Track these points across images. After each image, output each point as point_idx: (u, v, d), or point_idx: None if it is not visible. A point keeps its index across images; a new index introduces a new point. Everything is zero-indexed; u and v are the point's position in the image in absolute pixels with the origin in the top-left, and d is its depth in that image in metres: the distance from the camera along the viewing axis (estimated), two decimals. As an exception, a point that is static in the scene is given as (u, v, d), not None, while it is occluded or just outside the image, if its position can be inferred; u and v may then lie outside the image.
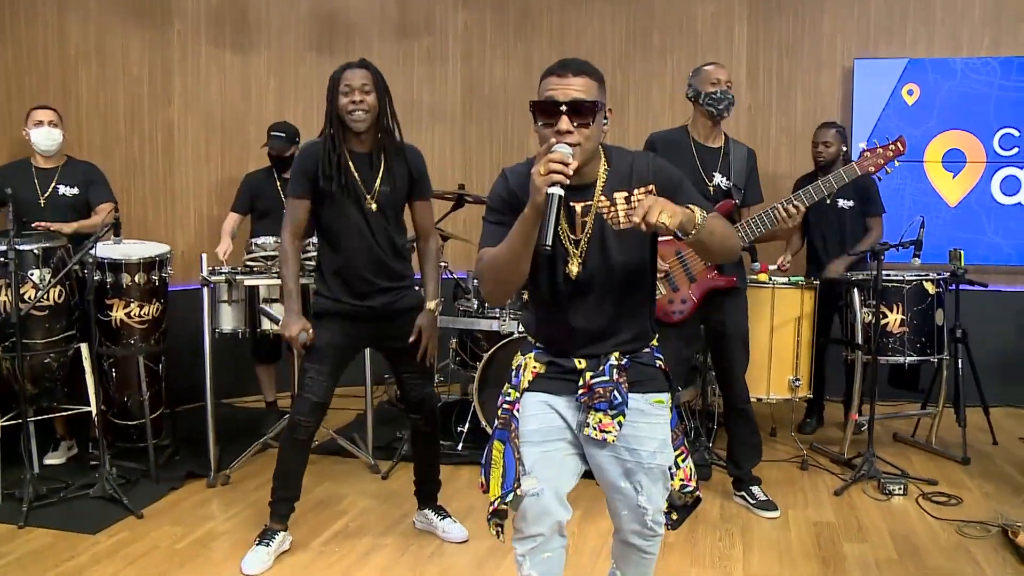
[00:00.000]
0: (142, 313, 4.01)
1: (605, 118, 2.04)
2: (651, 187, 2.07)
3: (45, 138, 4.24)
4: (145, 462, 4.05)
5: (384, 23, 5.99)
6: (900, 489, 3.92)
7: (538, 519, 2.07)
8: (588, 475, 2.20)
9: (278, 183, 4.79)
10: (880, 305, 4.25)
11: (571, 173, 1.86)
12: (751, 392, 4.35)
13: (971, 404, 4.62)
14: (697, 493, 2.27)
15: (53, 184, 4.27)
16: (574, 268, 2.06)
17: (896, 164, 3.55)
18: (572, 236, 2.07)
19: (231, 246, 4.63)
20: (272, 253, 4.18)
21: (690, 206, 1.92)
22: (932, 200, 5.44)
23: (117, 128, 5.08)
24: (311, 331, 3.11)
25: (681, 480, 2.21)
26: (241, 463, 4.20)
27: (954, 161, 5.42)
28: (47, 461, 4.23)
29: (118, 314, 3.98)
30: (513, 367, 2.25)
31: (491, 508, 2.10)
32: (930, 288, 4.29)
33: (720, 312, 3.70)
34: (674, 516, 2.31)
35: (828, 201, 4.76)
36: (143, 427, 4.17)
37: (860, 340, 4.29)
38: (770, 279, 4.29)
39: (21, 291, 3.66)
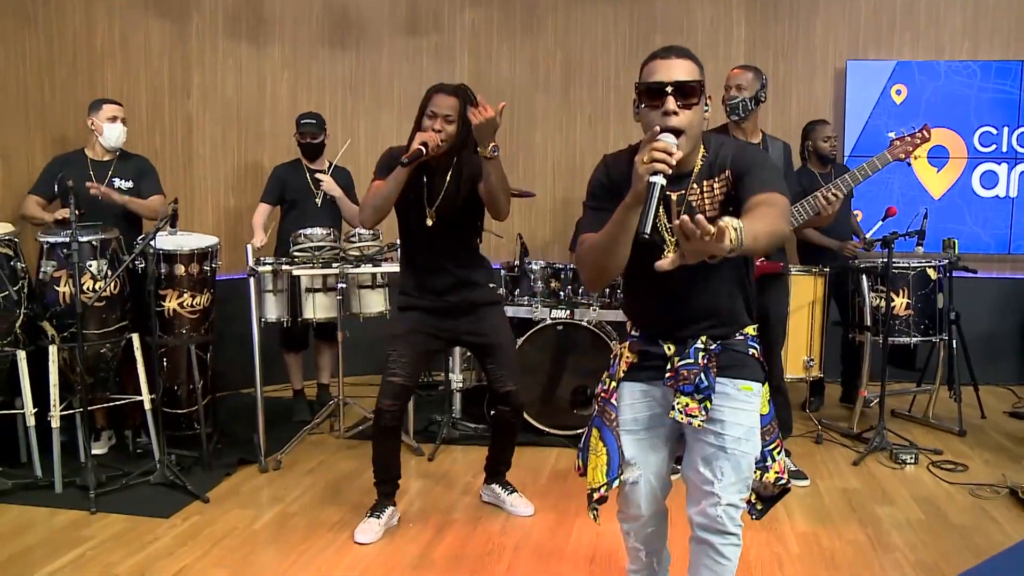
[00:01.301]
0: (194, 303, 4.09)
1: (706, 105, 2.05)
2: (728, 173, 2.08)
3: (117, 134, 4.28)
4: (196, 449, 4.14)
5: (394, 20, 6.11)
6: (912, 458, 4.26)
7: (640, 503, 2.22)
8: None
9: (307, 174, 4.90)
10: (888, 290, 4.59)
11: (674, 163, 1.85)
12: (769, 372, 4.69)
13: (962, 382, 5.02)
14: (787, 484, 2.25)
15: (109, 176, 4.31)
16: (663, 262, 1.91)
17: (923, 150, 3.85)
18: (668, 225, 2.08)
19: (264, 238, 4.73)
20: (320, 244, 4.31)
21: (723, 220, 1.69)
22: (918, 193, 5.83)
23: (140, 121, 5.10)
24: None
25: (776, 473, 2.21)
26: (291, 448, 4.32)
27: (938, 157, 5.83)
28: (93, 451, 4.26)
29: (171, 304, 4.04)
30: (611, 356, 2.34)
31: (595, 495, 2.19)
32: (932, 274, 4.65)
33: (765, 297, 3.93)
34: (759, 506, 2.32)
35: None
36: (191, 415, 4.25)
37: (869, 323, 4.62)
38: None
39: (80, 282, 3.72)
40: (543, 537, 3.39)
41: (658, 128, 1.91)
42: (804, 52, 5.96)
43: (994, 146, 5.78)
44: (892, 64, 5.76)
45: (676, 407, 2.11)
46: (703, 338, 2.13)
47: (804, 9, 5.93)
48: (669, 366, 2.15)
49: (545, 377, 4.53)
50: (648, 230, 1.79)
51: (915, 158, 3.86)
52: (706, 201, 2.09)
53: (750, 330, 2.22)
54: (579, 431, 4.17)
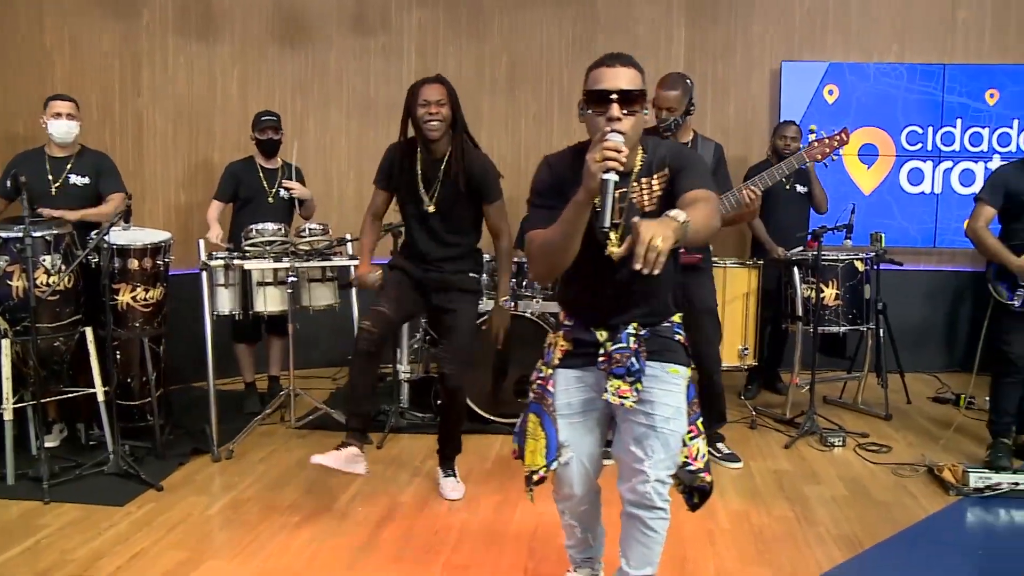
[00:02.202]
0: (147, 297, 4.16)
1: (646, 110, 2.19)
2: (665, 172, 2.24)
3: (63, 130, 4.31)
4: (149, 440, 4.21)
5: (342, 19, 6.20)
6: (840, 441, 4.51)
7: (573, 482, 2.39)
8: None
9: (260, 172, 4.98)
10: (818, 281, 4.82)
11: (624, 160, 1.99)
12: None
13: (889, 370, 5.30)
14: (708, 478, 2.37)
15: (65, 173, 4.35)
16: (615, 250, 2.10)
17: (842, 152, 4.08)
18: (612, 220, 2.13)
19: (221, 230, 4.80)
20: (271, 238, 4.41)
21: (668, 214, 1.92)
22: (849, 189, 6.10)
23: (90, 118, 5.12)
24: (379, 274, 3.61)
25: (685, 457, 2.33)
26: (242, 438, 4.41)
27: (868, 154, 6.11)
28: (45, 444, 4.30)
29: (124, 298, 4.11)
30: (545, 346, 2.48)
31: (535, 476, 2.36)
32: (860, 266, 4.90)
33: (686, 288, 4.13)
34: (695, 499, 2.43)
35: (787, 187, 5.31)
36: (143, 407, 4.32)
37: (800, 313, 4.86)
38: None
39: (34, 277, 3.77)
40: (488, 518, 3.54)
41: (607, 129, 2.06)
42: (742, 53, 6.18)
43: (920, 144, 6.07)
44: (825, 65, 6.02)
45: (609, 389, 2.26)
46: (634, 324, 2.29)
47: (741, 11, 6.16)
48: (602, 351, 2.30)
49: (490, 368, 4.69)
50: (607, 225, 1.94)
51: (833, 159, 4.07)
52: (645, 197, 2.26)
53: (676, 318, 2.40)
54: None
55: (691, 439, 2.36)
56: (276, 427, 4.76)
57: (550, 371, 2.39)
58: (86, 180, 4.39)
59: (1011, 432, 4.21)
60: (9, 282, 3.87)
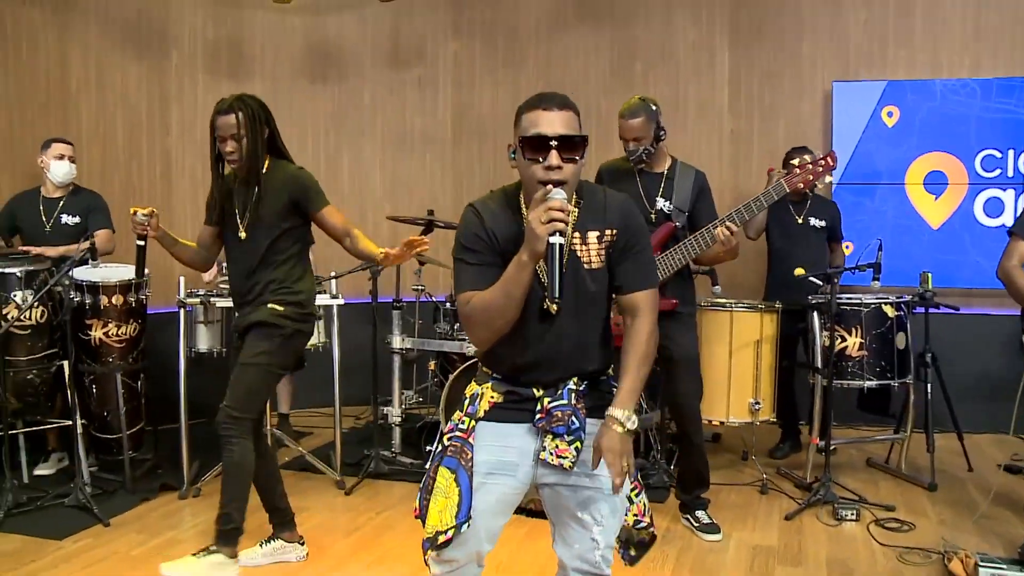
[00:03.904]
0: (119, 332, 4.23)
1: (583, 156, 2.03)
2: (614, 233, 2.09)
3: (64, 171, 4.51)
4: (124, 475, 4.26)
5: (377, 53, 6.20)
6: (852, 515, 3.92)
7: (461, 545, 2.08)
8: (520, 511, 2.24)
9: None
10: (839, 328, 4.26)
11: (569, 220, 1.91)
12: (711, 415, 4.42)
13: (946, 430, 4.59)
14: (652, 530, 2.24)
15: (57, 213, 4.54)
16: (552, 305, 2.04)
17: (828, 179, 3.58)
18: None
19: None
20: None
21: (614, 417, 1.99)
22: (914, 222, 5.41)
23: (116, 155, 5.36)
24: None
25: (635, 515, 2.19)
26: (212, 476, 4.38)
27: (936, 183, 5.39)
28: (37, 472, 4.47)
29: (97, 333, 4.20)
30: (467, 395, 2.22)
31: (441, 538, 2.05)
32: (889, 311, 4.29)
33: (664, 336, 3.74)
34: (632, 552, 2.26)
35: (800, 220, 4.79)
36: (120, 441, 4.38)
37: (820, 364, 4.30)
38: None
39: (4, 311, 3.92)
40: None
41: (550, 186, 1.92)
42: (791, 74, 5.66)
43: (998, 171, 5.29)
44: (882, 84, 5.38)
45: (546, 449, 2.07)
46: (574, 379, 2.11)
47: (790, 28, 5.64)
48: (539, 407, 2.10)
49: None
50: (558, 295, 1.88)
51: (818, 186, 3.57)
52: (593, 254, 2.10)
53: (610, 371, 2.22)
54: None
55: (636, 496, 2.20)
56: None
57: (472, 423, 2.14)
58: (76, 219, 4.55)
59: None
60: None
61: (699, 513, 3.83)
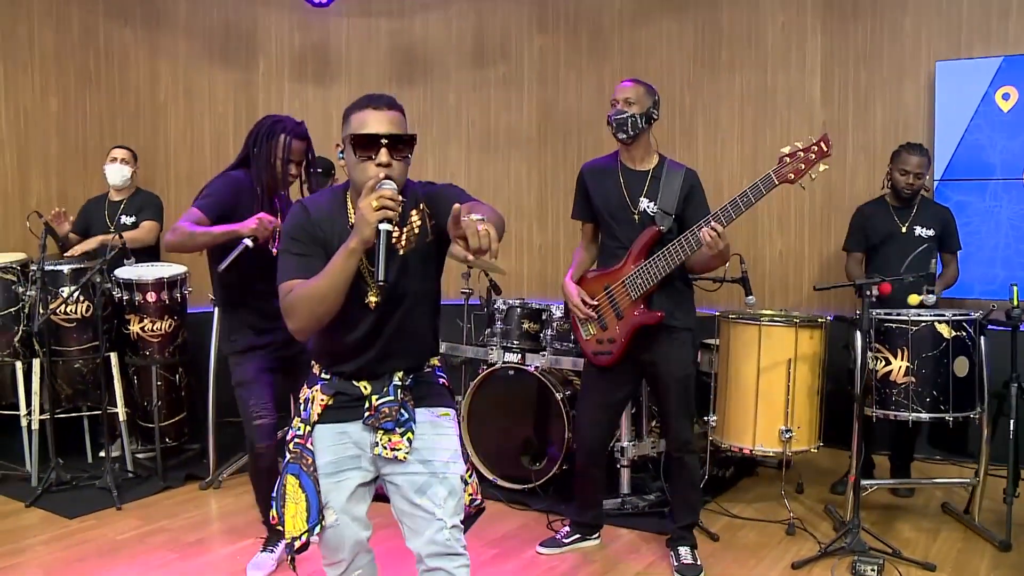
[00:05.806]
0: (155, 328, 4.50)
1: (410, 156, 2.13)
2: (422, 205, 2.16)
3: (114, 174, 4.91)
4: (165, 461, 4.53)
5: (460, 53, 6.15)
6: (874, 571, 3.31)
7: (341, 546, 2.21)
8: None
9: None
10: (882, 349, 3.63)
11: (399, 209, 1.97)
12: (735, 441, 4.00)
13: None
14: (482, 505, 2.30)
15: (118, 215, 4.93)
16: (373, 298, 2.13)
17: (822, 169, 3.05)
18: (370, 267, 2.10)
19: None
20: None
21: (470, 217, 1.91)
22: (1038, 224, 4.50)
23: (203, 164, 5.71)
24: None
25: (470, 494, 2.25)
26: (234, 468, 4.55)
27: (1065, 179, 4.45)
28: (101, 454, 4.85)
29: (135, 328, 4.50)
30: (300, 400, 2.29)
31: (297, 543, 2.16)
32: (945, 331, 3.58)
33: (650, 352, 3.38)
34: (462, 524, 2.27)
35: (904, 230, 4.16)
36: (164, 430, 4.66)
37: (857, 389, 3.68)
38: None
39: (52, 306, 4.30)
40: None
41: (381, 175, 2.02)
42: (890, 56, 4.90)
43: None
44: (997, 61, 4.51)
45: (380, 443, 2.15)
46: (399, 373, 2.19)
47: (889, 5, 4.89)
48: (367, 404, 2.17)
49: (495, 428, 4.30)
50: (384, 277, 1.94)
51: (812, 178, 3.05)
52: (411, 238, 2.16)
53: (435, 361, 2.31)
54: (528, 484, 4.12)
55: (469, 476, 2.28)
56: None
57: (308, 428, 2.22)
58: (132, 219, 4.90)
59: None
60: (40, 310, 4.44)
61: (682, 551, 3.42)
